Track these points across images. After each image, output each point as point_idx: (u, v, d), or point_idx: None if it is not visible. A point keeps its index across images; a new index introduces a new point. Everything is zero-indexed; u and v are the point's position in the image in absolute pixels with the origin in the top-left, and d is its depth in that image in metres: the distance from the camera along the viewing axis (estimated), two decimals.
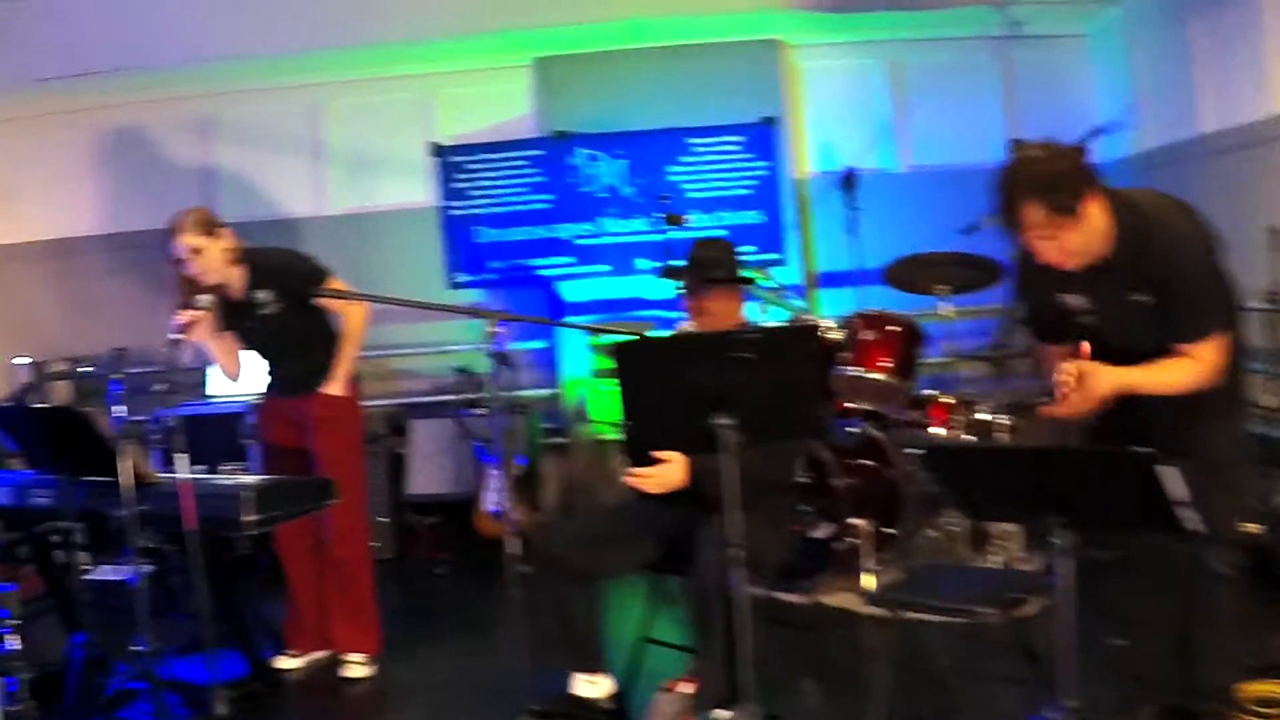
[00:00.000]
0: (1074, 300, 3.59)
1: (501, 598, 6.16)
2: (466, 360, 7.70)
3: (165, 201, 8.00)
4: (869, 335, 5.67)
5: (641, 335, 4.71)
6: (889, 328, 5.69)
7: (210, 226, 4.82)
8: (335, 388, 5.05)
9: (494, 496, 6.76)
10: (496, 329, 6.70)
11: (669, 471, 4.01)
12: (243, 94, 8.16)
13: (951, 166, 7.84)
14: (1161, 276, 3.37)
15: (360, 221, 8.09)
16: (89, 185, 8.45)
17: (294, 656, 5.28)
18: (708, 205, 7.74)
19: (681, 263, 4.47)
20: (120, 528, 4.16)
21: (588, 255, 7.81)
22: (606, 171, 7.78)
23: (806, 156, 8.17)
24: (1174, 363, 3.42)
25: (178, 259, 4.77)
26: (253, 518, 4.20)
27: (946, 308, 5.94)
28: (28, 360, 7.96)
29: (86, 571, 4.51)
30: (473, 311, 3.65)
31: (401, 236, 8.02)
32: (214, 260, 4.80)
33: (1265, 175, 6.25)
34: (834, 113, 8.18)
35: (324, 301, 5.04)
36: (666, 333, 4.72)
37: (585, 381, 7.68)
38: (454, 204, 7.83)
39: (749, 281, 4.57)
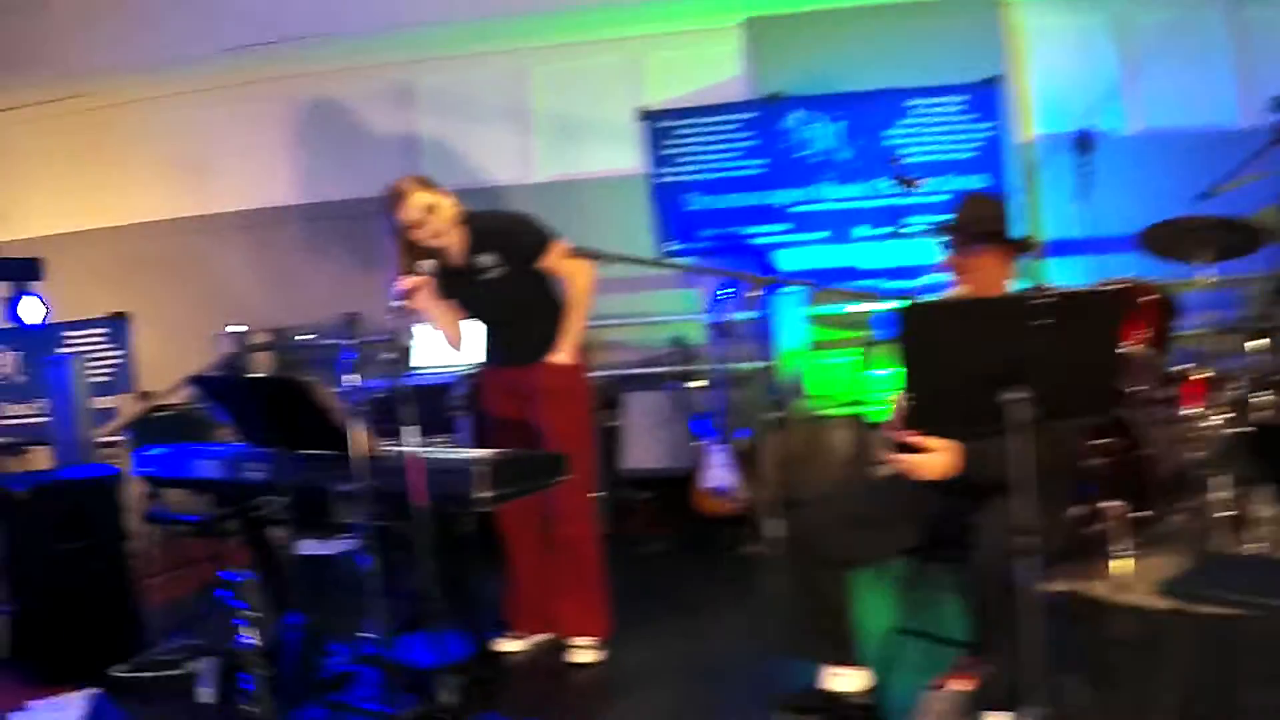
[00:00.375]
0: None
1: (727, 578, 6.16)
2: (681, 331, 7.58)
3: (364, 171, 8.15)
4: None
5: (914, 300, 4.52)
6: (1142, 298, 5.46)
7: (431, 184, 4.72)
8: (563, 356, 4.90)
9: (716, 472, 6.65)
10: (720, 294, 6.74)
11: (938, 460, 3.78)
12: (443, 61, 8.15)
13: (1184, 129, 7.57)
14: None
15: (566, 189, 8.02)
16: (285, 155, 8.52)
17: (516, 638, 5.14)
18: (929, 169, 7.49)
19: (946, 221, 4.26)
20: (333, 503, 4.10)
21: (803, 222, 7.66)
22: (822, 135, 7.61)
23: (1031, 118, 7.90)
24: None
25: (406, 222, 4.64)
26: (486, 494, 3.98)
27: (1207, 276, 5.68)
28: (239, 329, 8.01)
29: (296, 547, 4.45)
30: (725, 273, 3.45)
31: (609, 205, 7.92)
32: (447, 218, 4.70)
33: None
34: (1058, 73, 7.87)
35: (549, 265, 4.89)
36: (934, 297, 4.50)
37: (801, 354, 7.54)
38: (663, 171, 7.72)
39: (1023, 243, 4.31)
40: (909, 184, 6.50)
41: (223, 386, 4.87)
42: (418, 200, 4.62)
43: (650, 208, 7.73)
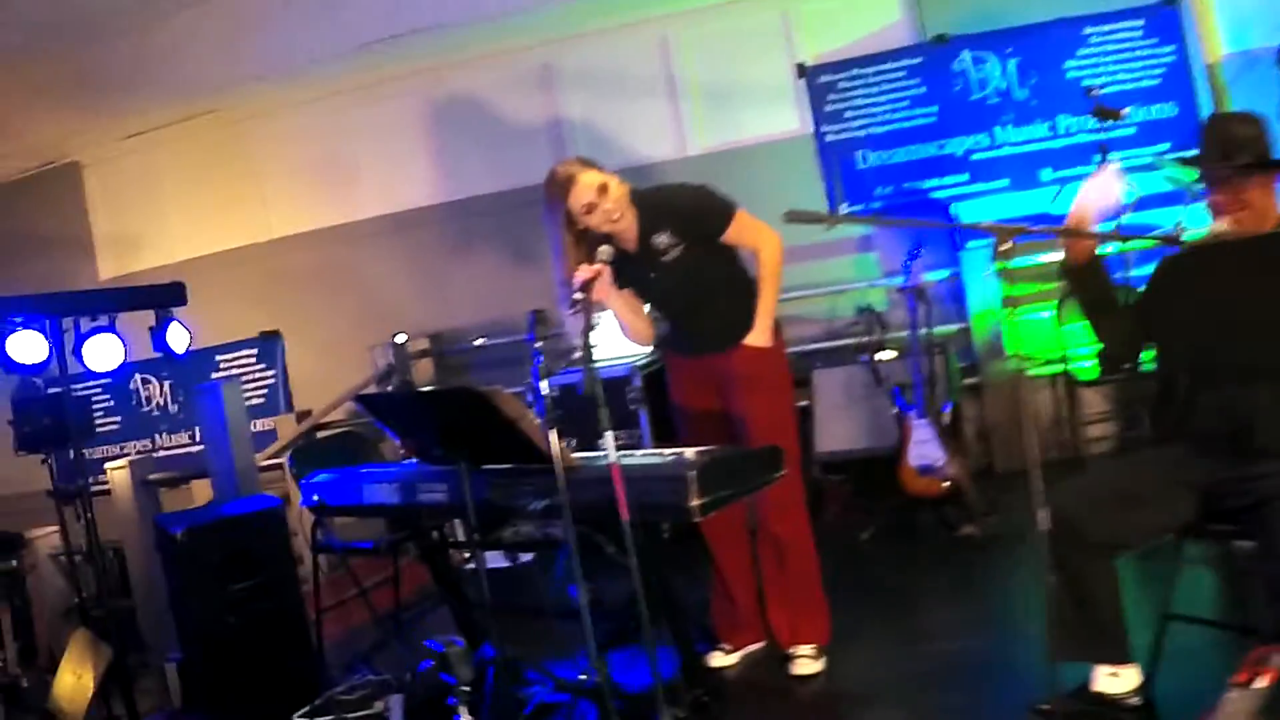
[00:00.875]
0: None
1: (943, 566, 5.83)
2: (864, 299, 7.32)
3: (509, 162, 8.03)
4: None
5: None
6: None
7: (596, 164, 4.43)
8: (760, 338, 4.57)
9: (921, 449, 6.34)
10: (912, 260, 6.46)
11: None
12: (583, 38, 7.99)
13: None
14: None
15: (726, 159, 7.78)
16: (426, 153, 8.43)
17: (728, 652, 4.83)
18: (1112, 100, 7.15)
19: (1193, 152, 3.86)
20: (525, 520, 3.90)
21: (983, 171, 7.32)
22: (996, 74, 7.27)
23: (1217, 37, 7.47)
24: None
25: (578, 207, 4.34)
26: (698, 501, 3.65)
27: None
28: (398, 339, 7.91)
29: (479, 569, 4.16)
30: (993, 227, 3.16)
31: (774, 171, 7.64)
32: (621, 196, 4.40)
33: None
34: None
35: (732, 238, 4.55)
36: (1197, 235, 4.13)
37: (995, 313, 7.23)
38: (829, 128, 7.45)
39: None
40: (1112, 115, 6.15)
41: (392, 403, 4.70)
42: (588, 181, 4.33)
43: (819, 169, 7.46)
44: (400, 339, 7.93)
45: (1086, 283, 3.86)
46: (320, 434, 7.33)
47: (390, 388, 7.68)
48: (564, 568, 3.78)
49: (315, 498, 4.80)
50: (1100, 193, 3.67)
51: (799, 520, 4.71)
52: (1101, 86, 6.64)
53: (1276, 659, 3.45)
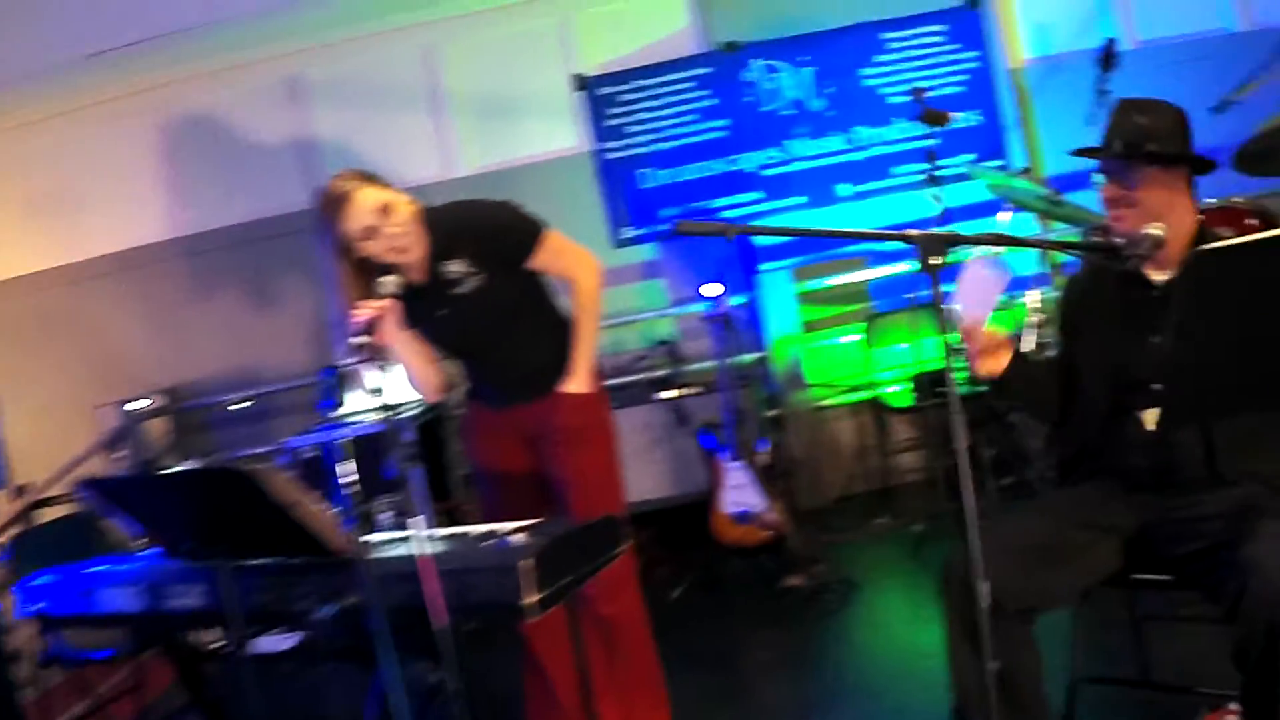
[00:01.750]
0: None
1: (773, 624, 5.27)
2: (654, 330, 6.78)
3: (253, 189, 7.34)
4: (1225, 233, 4.75)
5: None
6: (1247, 222, 4.74)
7: (379, 179, 3.67)
8: (579, 382, 3.88)
9: (736, 494, 5.77)
10: (712, 290, 5.96)
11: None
12: (337, 47, 7.28)
13: (1182, 37, 7.09)
14: None
15: (499, 180, 7.14)
16: (157, 180, 7.56)
17: None
18: (913, 110, 6.85)
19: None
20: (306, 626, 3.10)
21: (778, 187, 6.94)
22: (789, 84, 6.94)
23: (1021, 42, 7.28)
24: None
25: (354, 233, 3.60)
26: (536, 597, 2.87)
27: None
28: (136, 405, 7.05)
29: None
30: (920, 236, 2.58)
31: (550, 192, 6.99)
32: (407, 218, 3.65)
33: None
34: None
35: (541, 264, 3.85)
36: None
37: (795, 339, 6.78)
38: (610, 145, 6.98)
39: (1204, 163, 3.31)
40: (941, 119, 5.77)
41: (128, 489, 3.60)
42: (366, 201, 3.57)
43: (599, 190, 6.95)
44: (134, 406, 7.06)
45: (1017, 388, 3.31)
46: (42, 511, 6.43)
47: (118, 455, 6.83)
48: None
49: (37, 606, 3.86)
50: (977, 291, 3.14)
51: (632, 598, 4.01)
52: (927, 90, 6.23)
53: None
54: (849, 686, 4.46)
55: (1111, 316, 3.28)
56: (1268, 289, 2.42)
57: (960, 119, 6.50)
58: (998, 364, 3.18)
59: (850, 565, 5.72)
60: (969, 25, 6.93)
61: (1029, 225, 6.33)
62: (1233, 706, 3.14)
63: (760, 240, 6.92)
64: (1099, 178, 3.25)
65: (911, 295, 6.57)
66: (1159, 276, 3.23)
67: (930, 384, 6.32)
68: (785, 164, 6.93)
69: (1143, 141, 3.16)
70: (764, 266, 6.90)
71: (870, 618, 5.21)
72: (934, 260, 2.64)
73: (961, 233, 2.84)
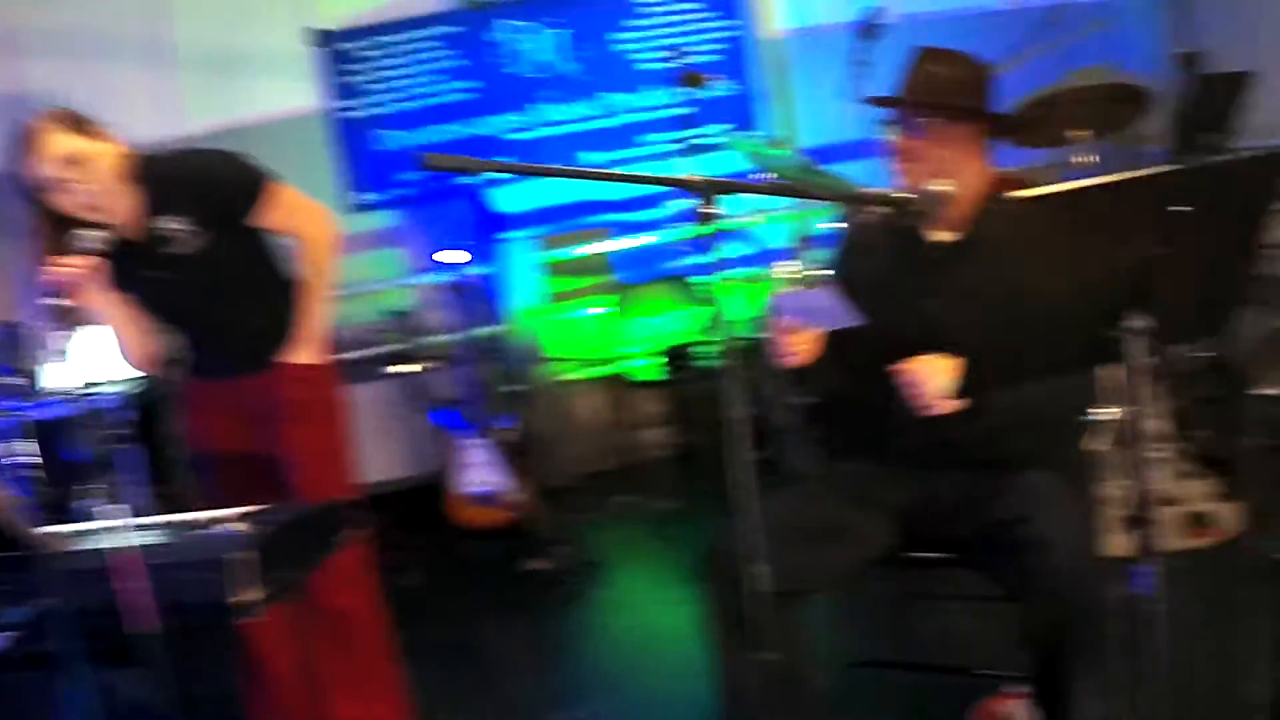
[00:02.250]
0: None
1: (518, 610, 5.06)
2: (393, 301, 6.53)
3: None
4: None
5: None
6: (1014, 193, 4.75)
7: (85, 125, 3.31)
8: (305, 352, 3.61)
9: (476, 473, 5.56)
10: (451, 258, 5.74)
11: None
12: None
13: (944, 13, 7.07)
14: None
15: (227, 139, 6.65)
16: None
17: None
18: (666, 78, 6.71)
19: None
20: None
21: (525, 154, 6.73)
22: (539, 46, 6.72)
23: (778, 12, 7.19)
24: None
25: (41, 184, 3.26)
26: (257, 594, 2.59)
27: (1088, 157, 5.10)
28: None
29: None
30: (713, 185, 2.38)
31: (281, 153, 6.45)
32: (105, 173, 3.30)
33: None
34: None
35: (267, 221, 3.55)
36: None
37: (539, 311, 6.59)
38: (347, 105, 6.67)
39: (1003, 123, 3.19)
40: (699, 82, 5.60)
41: None
42: (54, 147, 3.21)
43: (334, 152, 6.67)
44: None
45: (819, 378, 3.13)
46: None
47: None
48: None
49: None
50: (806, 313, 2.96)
51: (364, 588, 3.74)
52: (680, 54, 6.04)
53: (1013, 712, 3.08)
54: (596, 675, 4.31)
55: (886, 278, 3.11)
56: (1057, 251, 2.32)
57: (717, 86, 6.36)
58: (807, 356, 2.99)
59: (595, 546, 5.55)
60: None
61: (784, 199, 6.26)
62: (1021, 689, 3.08)
63: (504, 207, 6.69)
64: (889, 129, 3.07)
65: (664, 267, 6.48)
66: (941, 237, 3.08)
67: (678, 359, 6.21)
68: (532, 129, 6.72)
69: (937, 92, 3.01)
70: (507, 235, 6.69)
71: (617, 601, 5.07)
72: (708, 210, 2.42)
73: (743, 180, 2.61)
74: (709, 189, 2.37)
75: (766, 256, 6.20)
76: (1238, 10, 6.35)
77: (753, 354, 3.18)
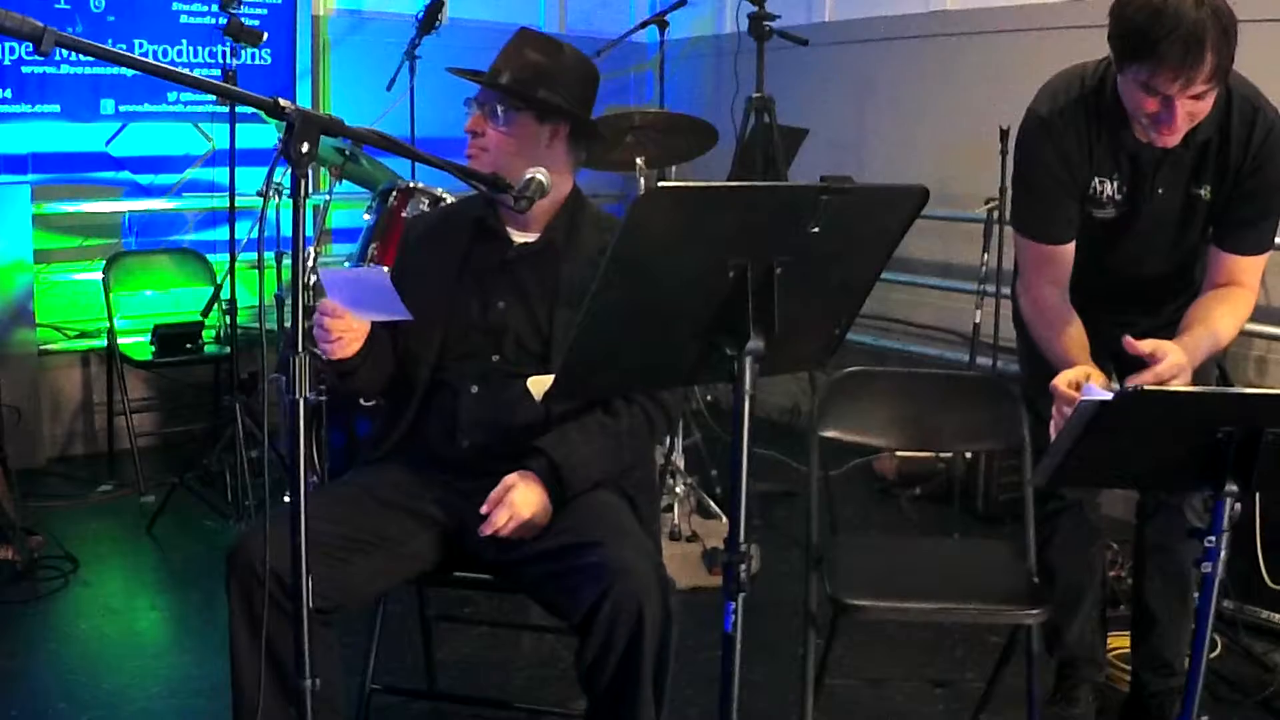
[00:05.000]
0: (1107, 188, 3.02)
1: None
2: None
3: None
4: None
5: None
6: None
7: None
8: None
9: None
10: None
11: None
12: None
13: (489, 24, 7.25)
14: (1254, 167, 2.90)
15: None
16: None
17: None
18: (204, 35, 6.50)
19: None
20: None
21: (33, 89, 6.16)
22: None
23: None
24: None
25: None
26: None
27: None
28: None
29: None
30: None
31: None
32: None
33: None
34: None
35: None
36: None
37: (25, 268, 6.03)
38: None
39: (589, 129, 3.08)
40: (251, 38, 5.33)
41: None
42: None
43: None
44: None
45: (362, 373, 2.92)
46: None
47: None
48: None
49: None
50: (362, 295, 2.78)
51: None
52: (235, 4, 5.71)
53: None
54: (78, 692, 3.86)
55: (454, 272, 3.00)
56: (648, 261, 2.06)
57: (260, 51, 6.17)
58: (353, 349, 2.81)
59: (70, 539, 5.12)
60: None
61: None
62: None
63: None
64: (472, 105, 2.96)
65: (174, 238, 6.21)
66: (520, 238, 3.01)
67: (175, 339, 5.89)
68: (47, 64, 6.15)
69: (528, 80, 2.90)
70: None
71: (96, 602, 4.56)
72: (301, 148, 2.21)
73: (342, 121, 2.37)
74: (306, 124, 2.21)
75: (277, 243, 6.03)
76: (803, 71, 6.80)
77: (268, 339, 3.00)
